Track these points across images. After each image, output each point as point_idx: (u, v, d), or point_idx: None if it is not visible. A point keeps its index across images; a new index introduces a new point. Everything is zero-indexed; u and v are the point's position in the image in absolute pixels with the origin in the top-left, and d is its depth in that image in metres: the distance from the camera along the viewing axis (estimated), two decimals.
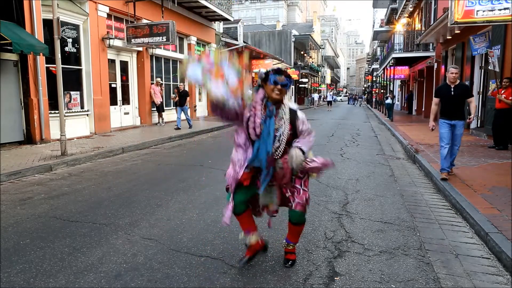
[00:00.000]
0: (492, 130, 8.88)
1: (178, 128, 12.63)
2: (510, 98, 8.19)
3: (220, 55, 2.61)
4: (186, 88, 14.72)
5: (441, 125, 5.68)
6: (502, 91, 8.41)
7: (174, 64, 16.25)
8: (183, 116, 13.11)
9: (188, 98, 13.10)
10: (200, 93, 18.84)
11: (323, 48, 59.34)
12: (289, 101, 2.82)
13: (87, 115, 10.94)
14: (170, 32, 11.98)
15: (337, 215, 4.23)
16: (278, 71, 2.70)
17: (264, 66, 26.70)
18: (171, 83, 16.21)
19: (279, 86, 2.66)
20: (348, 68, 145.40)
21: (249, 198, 2.86)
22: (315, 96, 43.49)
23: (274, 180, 2.79)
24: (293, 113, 2.77)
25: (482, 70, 11.99)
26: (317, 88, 53.77)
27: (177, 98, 13.75)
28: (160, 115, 14.29)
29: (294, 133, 2.77)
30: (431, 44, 18.35)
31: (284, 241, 3.07)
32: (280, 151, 2.72)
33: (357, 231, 3.74)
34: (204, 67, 2.53)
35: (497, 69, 9.13)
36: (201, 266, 2.98)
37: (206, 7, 15.92)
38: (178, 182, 5.70)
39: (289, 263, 3.00)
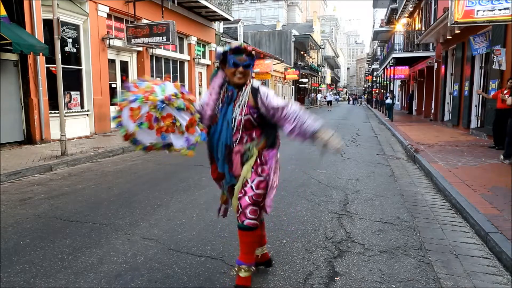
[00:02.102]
0: (492, 130, 8.87)
1: None
2: None
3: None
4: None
5: None
6: (505, 91, 8.36)
7: (174, 64, 16.24)
8: None
9: None
10: (200, 93, 18.85)
11: (323, 48, 59.33)
12: (254, 80, 2.42)
13: (87, 115, 10.94)
14: (170, 32, 11.98)
15: (337, 215, 4.22)
16: (237, 50, 2.26)
17: (264, 66, 26.72)
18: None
19: (240, 68, 2.25)
20: (348, 68, 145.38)
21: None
22: (319, 96, 44.04)
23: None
24: (254, 91, 2.33)
25: (482, 70, 11.98)
26: (317, 88, 53.83)
27: None
28: None
29: (260, 116, 2.36)
30: (431, 44, 18.36)
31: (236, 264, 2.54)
32: (237, 139, 2.35)
33: (357, 231, 3.73)
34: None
35: (503, 68, 9.03)
36: (201, 266, 2.97)
37: (206, 7, 15.91)
38: (178, 182, 5.70)
39: None
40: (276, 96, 2.38)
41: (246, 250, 2.47)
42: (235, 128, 2.33)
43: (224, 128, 2.31)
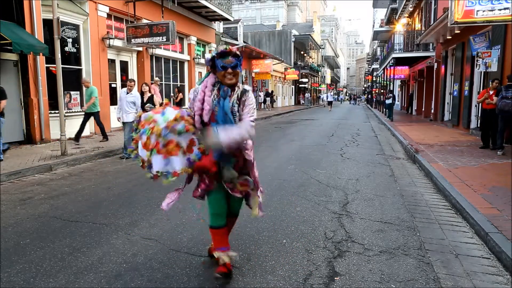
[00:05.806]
0: (480, 130, 8.91)
1: None
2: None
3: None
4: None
5: None
6: (491, 92, 8.29)
7: (174, 64, 16.26)
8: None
9: (3, 102, 6.81)
10: None
11: (323, 48, 59.33)
12: (246, 86, 2.67)
13: None
14: (170, 32, 11.98)
15: (337, 215, 4.23)
16: (223, 54, 2.47)
17: (264, 66, 26.71)
18: (171, 83, 16.22)
19: (229, 70, 2.47)
20: (348, 68, 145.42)
21: (225, 204, 2.82)
22: (324, 95, 44.51)
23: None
24: (244, 91, 2.59)
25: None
26: (317, 88, 53.89)
27: (178, 98, 13.61)
28: None
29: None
30: (431, 44, 18.34)
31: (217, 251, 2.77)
32: None
33: (357, 231, 3.73)
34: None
35: (493, 69, 9.03)
36: (201, 266, 2.98)
37: (206, 7, 15.93)
38: (178, 182, 5.68)
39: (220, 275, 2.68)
40: (253, 100, 2.61)
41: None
42: (231, 117, 2.55)
43: (221, 117, 2.52)
